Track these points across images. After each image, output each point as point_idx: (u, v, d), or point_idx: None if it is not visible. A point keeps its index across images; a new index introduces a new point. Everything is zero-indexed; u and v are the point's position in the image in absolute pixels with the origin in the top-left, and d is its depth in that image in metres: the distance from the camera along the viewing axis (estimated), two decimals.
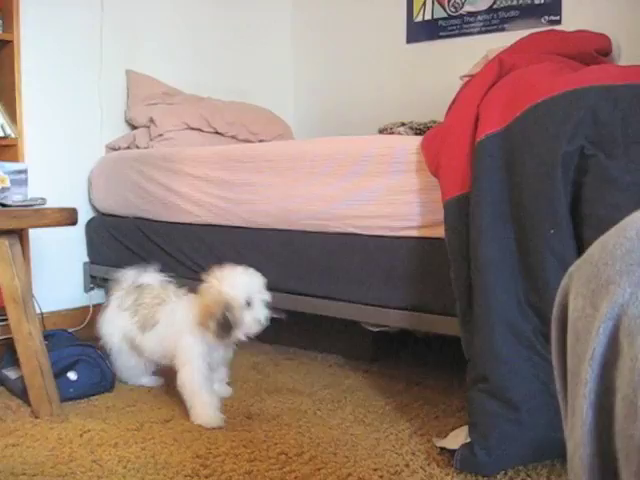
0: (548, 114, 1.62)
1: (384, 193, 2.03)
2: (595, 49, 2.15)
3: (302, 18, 4.13)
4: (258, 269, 2.36)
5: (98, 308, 3.08)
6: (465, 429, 1.62)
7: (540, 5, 3.12)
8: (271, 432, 1.82)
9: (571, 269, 0.67)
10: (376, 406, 2.02)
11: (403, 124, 2.66)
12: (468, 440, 1.56)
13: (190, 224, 2.66)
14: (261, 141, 3.35)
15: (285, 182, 2.32)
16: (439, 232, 1.85)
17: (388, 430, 1.82)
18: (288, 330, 2.61)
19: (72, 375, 2.10)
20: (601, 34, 2.19)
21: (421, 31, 3.58)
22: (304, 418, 1.92)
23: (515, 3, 3.21)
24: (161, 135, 3.04)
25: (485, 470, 1.54)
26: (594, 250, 0.63)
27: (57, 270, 2.94)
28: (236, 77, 3.78)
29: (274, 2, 4.07)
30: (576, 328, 0.62)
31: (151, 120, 3.06)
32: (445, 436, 1.70)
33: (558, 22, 3.05)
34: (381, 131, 2.79)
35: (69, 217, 1.96)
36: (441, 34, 3.51)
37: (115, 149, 3.14)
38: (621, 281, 0.57)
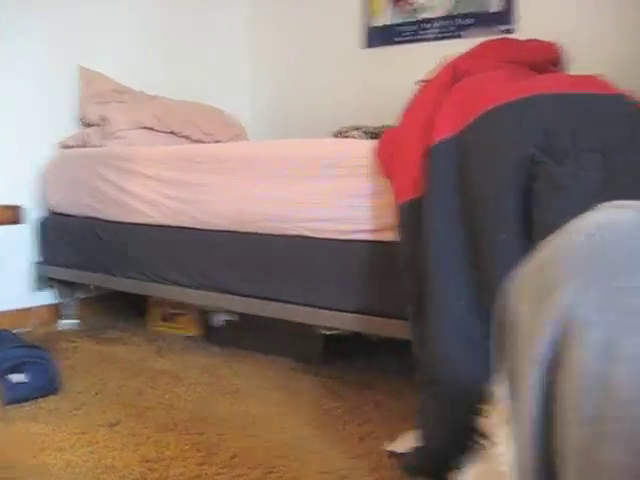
0: (500, 121, 1.64)
1: (337, 196, 2.03)
2: (546, 58, 2.19)
3: (260, 19, 4.12)
4: (210, 271, 2.35)
5: (46, 309, 3.03)
6: (414, 433, 1.62)
7: (495, 14, 3.17)
8: (222, 435, 1.80)
9: (518, 272, 0.67)
10: (327, 409, 2.02)
11: (357, 128, 2.67)
12: (417, 444, 1.57)
13: (143, 224, 2.62)
14: (216, 142, 3.33)
15: (238, 183, 2.30)
16: (391, 236, 1.86)
17: (338, 433, 1.82)
18: (240, 332, 2.60)
19: (17, 377, 2.05)
20: (552, 43, 2.22)
21: (377, 36, 3.60)
22: (254, 421, 1.91)
23: (471, 11, 3.24)
24: (113, 133, 2.99)
25: (434, 473, 1.54)
26: (541, 254, 0.63)
27: (5, 269, 2.87)
28: (190, 77, 3.74)
29: (231, 2, 4.05)
30: (521, 331, 0.63)
31: (104, 118, 3.01)
32: (396, 440, 1.71)
33: (511, 31, 3.09)
34: (335, 135, 2.79)
35: (13, 216, 1.92)
36: (397, 39, 3.53)
37: (68, 147, 3.09)
38: (567, 284, 0.57)
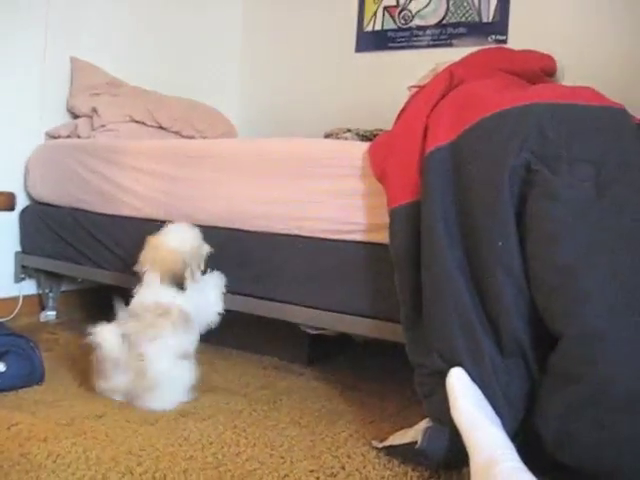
0: (496, 128, 1.66)
1: (328, 196, 2.04)
2: (540, 68, 2.21)
3: (253, 18, 4.13)
4: None
5: (28, 299, 3.00)
6: (414, 429, 1.62)
7: (488, 24, 3.20)
8: (207, 431, 1.80)
9: None
10: (312, 409, 2.02)
11: (349, 130, 2.68)
12: (416, 439, 1.57)
13: (129, 217, 2.61)
14: (205, 138, 3.32)
15: (230, 180, 2.30)
16: (381, 237, 1.87)
17: (324, 432, 1.82)
18: (224, 329, 2.59)
19: (0, 366, 2.03)
20: (546, 54, 2.25)
21: (370, 41, 3.62)
22: (239, 418, 1.91)
23: (464, 20, 3.27)
24: (104, 126, 2.98)
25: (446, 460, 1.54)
26: None
27: None
28: (182, 73, 3.74)
29: (227, 3, 4.06)
30: None
31: (94, 110, 2.99)
32: (382, 440, 1.71)
33: (504, 42, 3.13)
34: (327, 136, 2.80)
35: (6, 202, 1.90)
36: (390, 45, 3.55)
37: (55, 137, 3.06)
38: None
